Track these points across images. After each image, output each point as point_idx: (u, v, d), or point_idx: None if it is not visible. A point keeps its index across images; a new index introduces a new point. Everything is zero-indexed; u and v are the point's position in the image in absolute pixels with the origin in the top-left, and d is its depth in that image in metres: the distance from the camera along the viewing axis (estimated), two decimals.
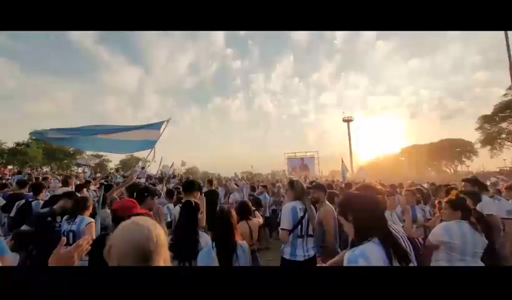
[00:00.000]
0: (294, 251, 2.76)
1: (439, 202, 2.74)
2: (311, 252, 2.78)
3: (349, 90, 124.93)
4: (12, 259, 2.20)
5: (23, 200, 4.18)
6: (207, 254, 1.97)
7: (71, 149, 40.92)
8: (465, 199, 2.55)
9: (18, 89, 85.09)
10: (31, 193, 4.91)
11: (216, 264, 1.90)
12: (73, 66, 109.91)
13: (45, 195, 4.63)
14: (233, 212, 2.14)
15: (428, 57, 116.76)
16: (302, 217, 2.78)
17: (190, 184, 3.54)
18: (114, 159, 49.93)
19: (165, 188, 7.65)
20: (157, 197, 2.94)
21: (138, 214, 2.04)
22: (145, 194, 2.89)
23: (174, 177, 15.05)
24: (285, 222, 2.77)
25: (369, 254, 1.29)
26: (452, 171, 43.91)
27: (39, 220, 3.29)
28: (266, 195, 7.46)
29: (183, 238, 2.28)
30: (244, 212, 2.97)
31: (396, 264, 1.29)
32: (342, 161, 14.48)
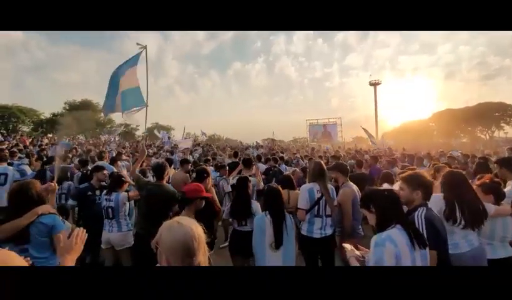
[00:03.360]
0: (311, 229, 2.89)
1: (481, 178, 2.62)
2: (329, 231, 2.89)
3: (378, 50, 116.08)
4: (67, 232, 2.47)
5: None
6: (261, 219, 2.54)
7: (101, 118, 43.11)
8: (500, 183, 2.45)
9: (47, 59, 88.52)
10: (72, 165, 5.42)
11: (269, 227, 2.46)
12: (96, 34, 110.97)
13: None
14: (280, 189, 2.66)
15: None
16: (319, 198, 2.87)
17: (248, 161, 4.52)
18: (142, 127, 51.85)
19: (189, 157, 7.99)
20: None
21: (204, 198, 2.47)
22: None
23: (198, 144, 15.46)
24: (302, 202, 2.90)
25: (395, 237, 1.51)
26: (487, 137, 40.74)
27: (81, 195, 3.67)
28: (284, 166, 7.42)
29: (240, 205, 3.00)
30: (287, 183, 3.62)
31: (416, 245, 1.52)
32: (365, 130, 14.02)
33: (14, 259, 1.03)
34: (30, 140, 15.57)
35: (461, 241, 2.25)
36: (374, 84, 48.92)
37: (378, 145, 15.34)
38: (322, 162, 3.21)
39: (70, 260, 1.39)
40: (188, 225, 1.13)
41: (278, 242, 2.41)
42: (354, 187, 3.11)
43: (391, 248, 1.47)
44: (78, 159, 5.56)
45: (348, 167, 3.47)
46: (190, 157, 8.01)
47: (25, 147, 11.54)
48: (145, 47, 4.56)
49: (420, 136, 37.61)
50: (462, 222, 2.20)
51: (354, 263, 1.72)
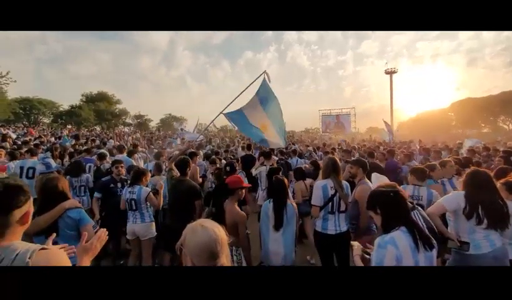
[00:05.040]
0: (326, 225, 2.89)
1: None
2: (344, 228, 2.88)
3: (394, 35, 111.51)
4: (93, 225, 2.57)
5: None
6: (266, 206, 2.87)
7: (117, 110, 44.22)
8: None
9: (64, 52, 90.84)
10: (89, 157, 5.61)
11: (271, 211, 2.79)
12: None
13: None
14: (285, 180, 2.94)
15: None
16: (333, 195, 2.86)
17: (268, 154, 5.46)
18: (155, 118, 52.84)
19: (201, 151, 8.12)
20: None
21: (244, 187, 2.81)
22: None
23: (211, 138, 15.47)
24: (316, 199, 2.90)
25: (398, 240, 1.50)
26: (510, 127, 38.71)
27: (104, 187, 3.86)
28: (296, 158, 7.38)
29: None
30: (300, 175, 4.25)
31: (421, 247, 1.51)
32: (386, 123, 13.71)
33: (63, 257, 1.10)
34: (37, 134, 15.89)
35: (483, 241, 2.20)
36: (390, 73, 47.02)
37: (391, 140, 14.96)
38: (336, 158, 3.18)
39: (87, 260, 1.44)
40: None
41: (277, 225, 2.73)
42: (371, 184, 3.06)
43: (393, 251, 1.47)
44: (99, 152, 5.76)
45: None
46: (201, 151, 8.15)
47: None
48: (265, 72, 4.37)
49: (438, 126, 36.29)
50: (485, 222, 2.15)
51: (358, 262, 1.73)
